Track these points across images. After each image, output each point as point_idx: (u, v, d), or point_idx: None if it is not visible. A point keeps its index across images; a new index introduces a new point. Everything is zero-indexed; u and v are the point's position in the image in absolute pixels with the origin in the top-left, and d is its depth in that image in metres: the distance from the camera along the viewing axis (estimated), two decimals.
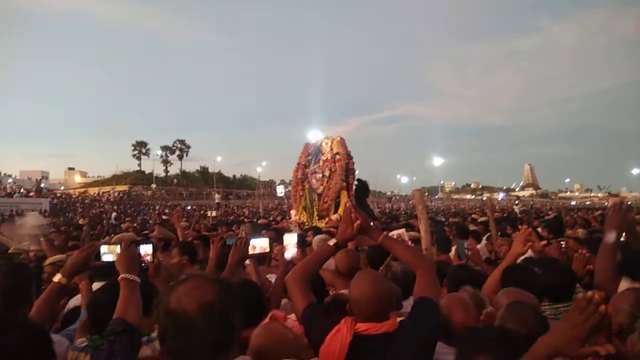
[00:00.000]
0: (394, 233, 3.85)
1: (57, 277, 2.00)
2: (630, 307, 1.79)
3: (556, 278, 2.49)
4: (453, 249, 4.45)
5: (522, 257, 3.12)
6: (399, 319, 1.77)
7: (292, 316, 2.23)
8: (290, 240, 3.04)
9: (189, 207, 36.17)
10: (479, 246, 5.25)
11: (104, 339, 1.35)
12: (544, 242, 3.17)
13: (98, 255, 2.28)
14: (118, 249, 2.30)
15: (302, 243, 3.30)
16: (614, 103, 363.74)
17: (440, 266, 3.01)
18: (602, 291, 1.25)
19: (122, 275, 1.87)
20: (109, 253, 2.31)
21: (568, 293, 2.46)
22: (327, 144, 11.38)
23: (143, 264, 2.56)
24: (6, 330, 1.19)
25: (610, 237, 2.45)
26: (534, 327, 1.74)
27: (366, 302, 1.72)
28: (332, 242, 2.11)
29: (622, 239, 2.62)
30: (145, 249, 2.65)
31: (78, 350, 1.89)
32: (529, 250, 2.94)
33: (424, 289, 1.81)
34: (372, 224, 2.17)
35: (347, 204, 2.36)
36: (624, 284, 2.39)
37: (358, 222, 2.03)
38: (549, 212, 15.20)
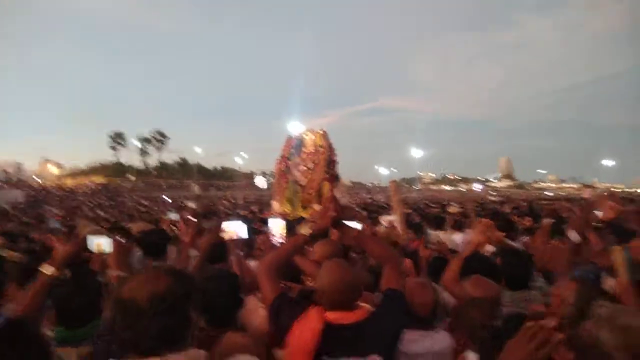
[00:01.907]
0: (385, 219, 3.95)
1: (49, 270, 1.84)
2: (574, 300, 1.88)
3: (515, 267, 2.63)
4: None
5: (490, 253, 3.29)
6: (368, 309, 1.83)
7: None
8: (276, 226, 2.91)
9: (168, 200, 35.69)
10: (458, 236, 5.39)
11: (99, 339, 1.39)
12: (503, 233, 3.32)
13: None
14: (103, 240, 2.20)
15: (292, 230, 3.14)
16: (589, 97, 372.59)
17: None
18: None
19: (115, 274, 1.78)
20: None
21: (524, 281, 2.62)
22: (309, 136, 11.39)
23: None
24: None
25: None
26: (490, 317, 2.01)
27: (333, 291, 1.74)
28: (306, 230, 2.06)
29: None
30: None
31: None
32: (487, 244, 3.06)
33: (391, 281, 1.92)
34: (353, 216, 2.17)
35: (329, 194, 2.37)
36: None
37: (331, 213, 2.02)
38: (502, 207, 15.06)
